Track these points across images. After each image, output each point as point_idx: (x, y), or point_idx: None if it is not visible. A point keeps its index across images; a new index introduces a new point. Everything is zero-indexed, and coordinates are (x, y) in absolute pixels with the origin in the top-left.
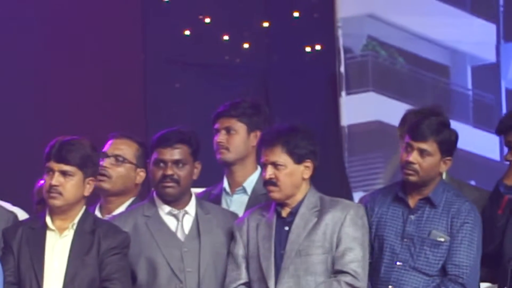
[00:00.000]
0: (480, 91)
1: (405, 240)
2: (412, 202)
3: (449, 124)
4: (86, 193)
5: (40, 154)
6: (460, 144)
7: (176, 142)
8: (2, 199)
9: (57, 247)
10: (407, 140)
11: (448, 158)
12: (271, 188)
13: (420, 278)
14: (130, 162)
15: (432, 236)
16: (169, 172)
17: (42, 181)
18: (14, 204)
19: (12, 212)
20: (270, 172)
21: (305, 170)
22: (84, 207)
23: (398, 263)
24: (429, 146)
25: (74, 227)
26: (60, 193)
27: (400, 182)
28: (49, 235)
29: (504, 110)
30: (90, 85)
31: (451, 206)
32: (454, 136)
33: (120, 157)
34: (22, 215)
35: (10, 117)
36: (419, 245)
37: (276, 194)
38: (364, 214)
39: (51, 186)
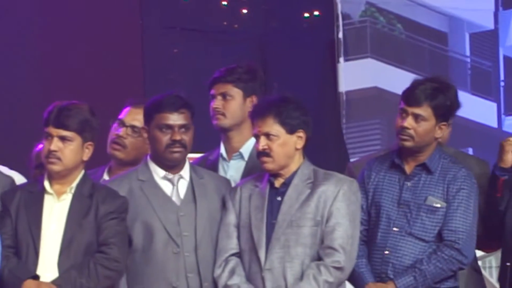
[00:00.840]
0: (478, 58)
1: (401, 206)
2: (408, 168)
3: (454, 94)
4: (85, 158)
5: (38, 118)
6: (458, 111)
7: (180, 107)
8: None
9: (55, 211)
10: (402, 105)
11: (444, 123)
12: (265, 159)
13: (416, 244)
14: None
15: (428, 202)
16: (178, 137)
17: (40, 146)
18: (11, 168)
19: (9, 177)
20: (263, 143)
21: (297, 140)
22: (83, 171)
23: (394, 228)
24: (423, 111)
25: (73, 191)
26: (59, 158)
27: (396, 149)
28: (47, 199)
29: (501, 77)
30: (89, 50)
31: (448, 172)
32: (449, 101)
33: (137, 128)
34: (19, 179)
35: (9, 80)
36: (415, 211)
37: (269, 165)
38: (357, 189)
39: (50, 151)
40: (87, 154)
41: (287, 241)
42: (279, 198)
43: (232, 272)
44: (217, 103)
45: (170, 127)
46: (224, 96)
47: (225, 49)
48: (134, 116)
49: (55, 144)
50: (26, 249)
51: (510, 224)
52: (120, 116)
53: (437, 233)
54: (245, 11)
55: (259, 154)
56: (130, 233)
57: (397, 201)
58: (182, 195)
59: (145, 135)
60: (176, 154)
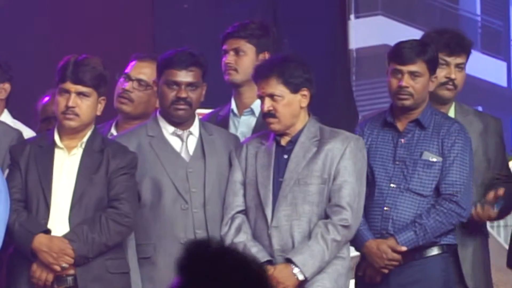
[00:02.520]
0: (489, 17)
1: (397, 163)
2: (401, 126)
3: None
4: (99, 113)
5: (45, 72)
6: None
7: (190, 65)
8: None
9: (66, 165)
10: (394, 66)
11: (434, 76)
12: (271, 120)
13: (415, 199)
14: (153, 88)
15: (424, 157)
16: (183, 94)
17: (46, 98)
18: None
19: (17, 130)
20: (268, 104)
21: (302, 98)
22: (93, 126)
23: (392, 185)
24: (418, 67)
25: (83, 146)
26: (77, 114)
27: (387, 108)
28: (58, 153)
29: None
30: (99, 5)
31: (441, 127)
32: (437, 52)
33: (144, 81)
34: (29, 133)
35: (18, 35)
36: (411, 166)
37: (276, 126)
38: (363, 146)
39: (67, 107)
40: (100, 108)
41: (294, 198)
42: (285, 156)
43: (239, 230)
44: (230, 58)
45: (177, 83)
46: (236, 51)
47: (235, 5)
48: (140, 70)
49: (73, 100)
50: (36, 203)
51: None
52: (126, 70)
53: (434, 187)
54: None
55: (265, 115)
56: (139, 189)
57: (392, 158)
58: (191, 152)
59: (155, 88)
60: (180, 112)
